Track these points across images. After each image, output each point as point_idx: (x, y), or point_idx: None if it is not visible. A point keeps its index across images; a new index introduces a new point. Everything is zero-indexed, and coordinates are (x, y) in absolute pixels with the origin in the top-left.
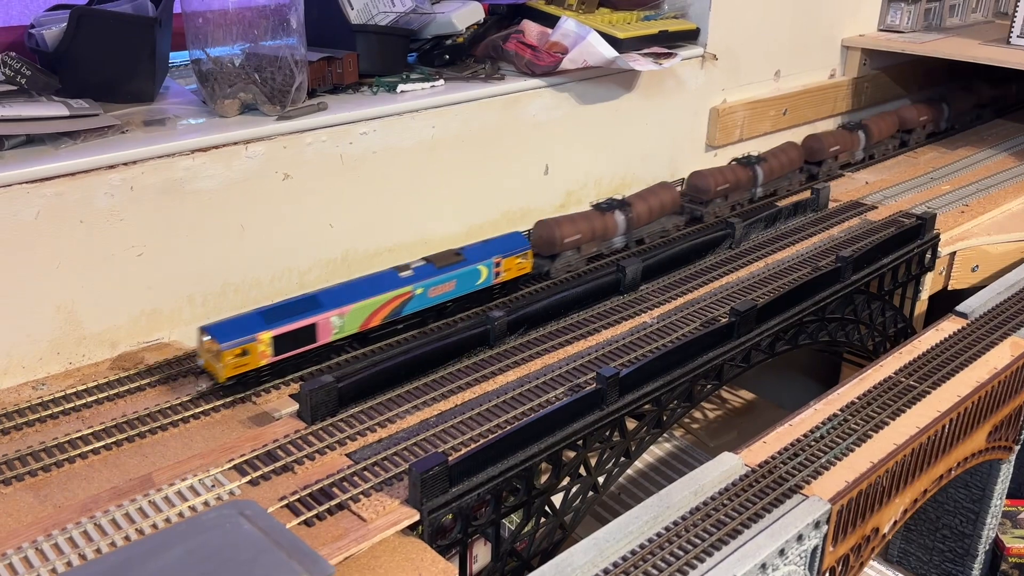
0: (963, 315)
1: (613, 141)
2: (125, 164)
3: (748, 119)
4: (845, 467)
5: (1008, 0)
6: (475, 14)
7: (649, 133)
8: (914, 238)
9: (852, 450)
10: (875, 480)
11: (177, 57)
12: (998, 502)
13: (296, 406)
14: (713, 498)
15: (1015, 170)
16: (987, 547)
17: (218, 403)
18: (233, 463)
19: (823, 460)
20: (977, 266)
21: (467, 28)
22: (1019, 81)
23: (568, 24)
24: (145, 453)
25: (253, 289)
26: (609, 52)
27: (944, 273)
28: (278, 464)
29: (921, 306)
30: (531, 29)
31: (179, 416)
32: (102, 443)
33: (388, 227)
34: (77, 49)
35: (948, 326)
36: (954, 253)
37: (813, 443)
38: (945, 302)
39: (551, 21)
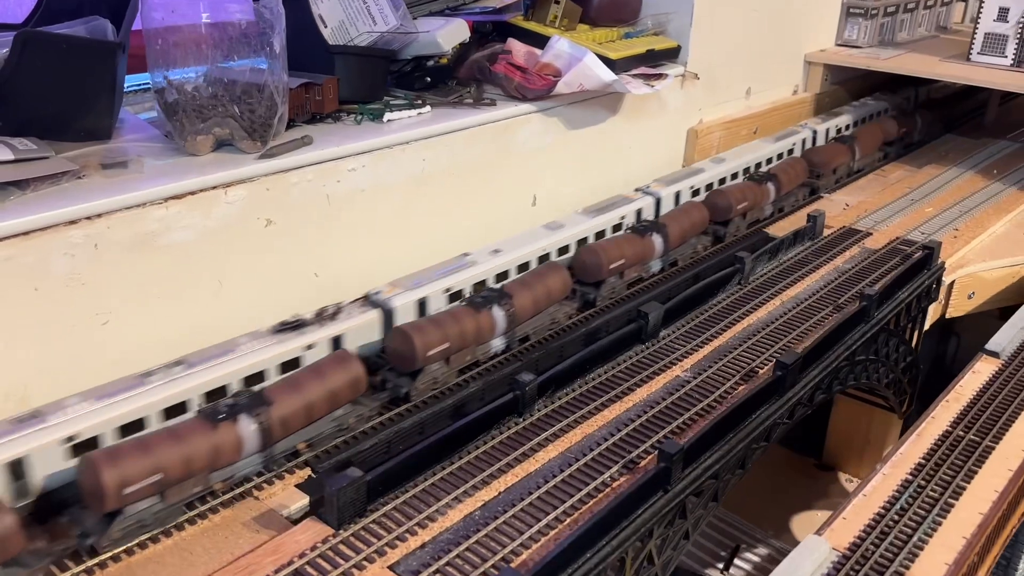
0: (995, 354)
1: (597, 167)
2: (88, 218)
3: (723, 139)
4: (939, 545)
5: (947, 15)
6: (461, 32)
7: (631, 157)
8: (923, 268)
9: (939, 523)
10: (973, 559)
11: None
12: None
13: (306, 499)
14: None
15: (989, 189)
16: None
17: (215, 502)
18: None
19: (914, 539)
20: (973, 293)
21: (452, 48)
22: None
23: (561, 44)
24: (136, 575)
25: None
26: (607, 75)
27: (943, 302)
28: None
29: (919, 337)
30: (518, 49)
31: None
32: (81, 567)
33: (374, 273)
34: (21, 78)
35: (984, 368)
36: (953, 282)
37: (896, 517)
38: (933, 330)
39: (535, 39)
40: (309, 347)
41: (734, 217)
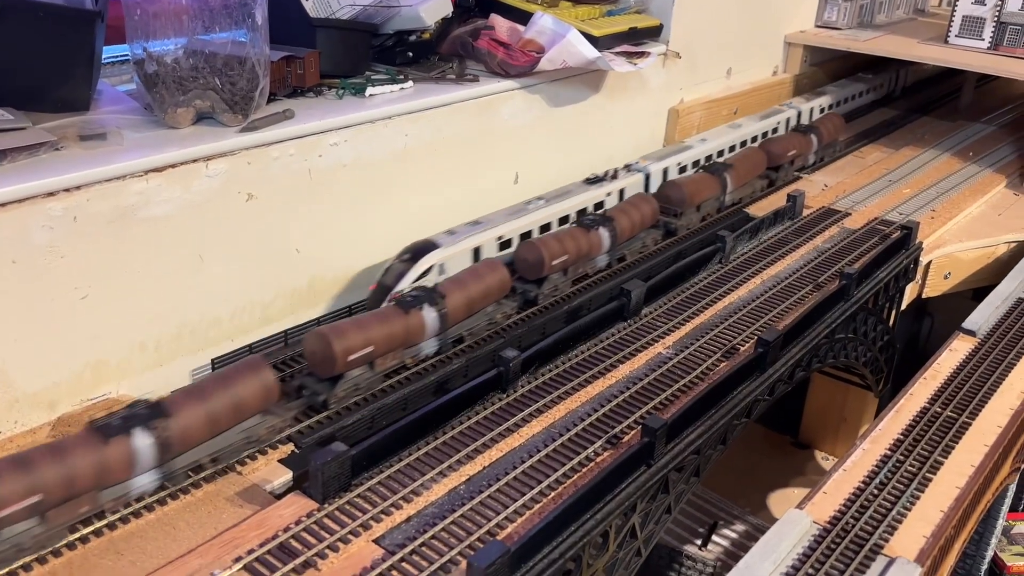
0: (971, 332)
1: (579, 146)
2: (67, 190)
3: (704, 119)
4: (918, 518)
5: None
6: (444, 7)
7: (613, 136)
8: (901, 248)
9: (917, 497)
10: (950, 532)
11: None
12: (1001, 521)
13: (288, 474)
14: (795, 567)
15: (965, 171)
16: (987, 566)
17: (198, 477)
18: (243, 563)
19: (893, 512)
20: (949, 273)
21: (434, 23)
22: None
23: (544, 21)
24: (120, 551)
25: (212, 328)
26: (590, 52)
27: (920, 282)
28: (298, 561)
29: (896, 316)
30: (501, 24)
31: (153, 497)
32: (62, 542)
33: (355, 250)
34: None
35: (961, 346)
36: (930, 262)
37: (876, 491)
38: (908, 311)
39: (518, 15)
40: (608, 194)
41: (548, 274)
